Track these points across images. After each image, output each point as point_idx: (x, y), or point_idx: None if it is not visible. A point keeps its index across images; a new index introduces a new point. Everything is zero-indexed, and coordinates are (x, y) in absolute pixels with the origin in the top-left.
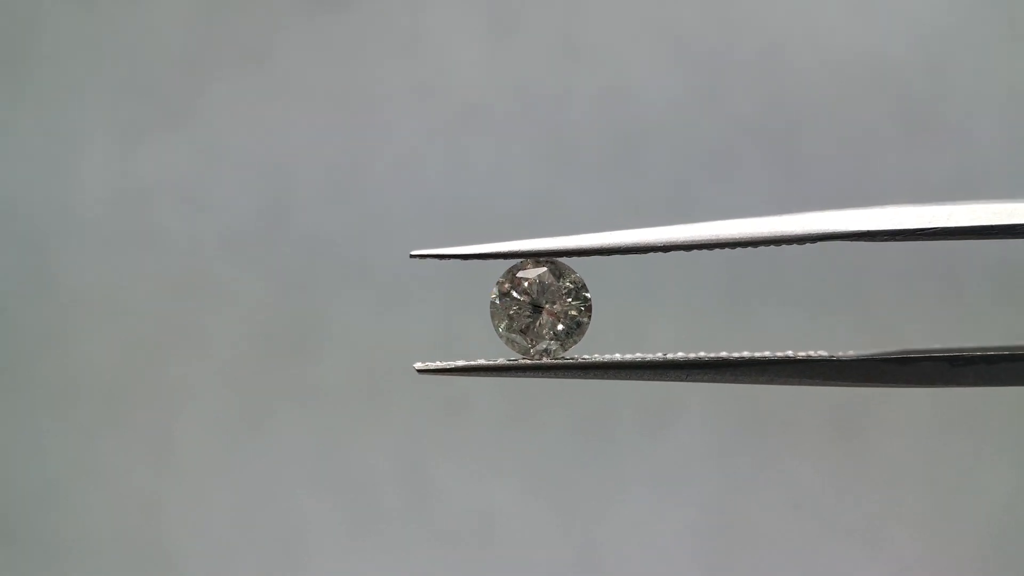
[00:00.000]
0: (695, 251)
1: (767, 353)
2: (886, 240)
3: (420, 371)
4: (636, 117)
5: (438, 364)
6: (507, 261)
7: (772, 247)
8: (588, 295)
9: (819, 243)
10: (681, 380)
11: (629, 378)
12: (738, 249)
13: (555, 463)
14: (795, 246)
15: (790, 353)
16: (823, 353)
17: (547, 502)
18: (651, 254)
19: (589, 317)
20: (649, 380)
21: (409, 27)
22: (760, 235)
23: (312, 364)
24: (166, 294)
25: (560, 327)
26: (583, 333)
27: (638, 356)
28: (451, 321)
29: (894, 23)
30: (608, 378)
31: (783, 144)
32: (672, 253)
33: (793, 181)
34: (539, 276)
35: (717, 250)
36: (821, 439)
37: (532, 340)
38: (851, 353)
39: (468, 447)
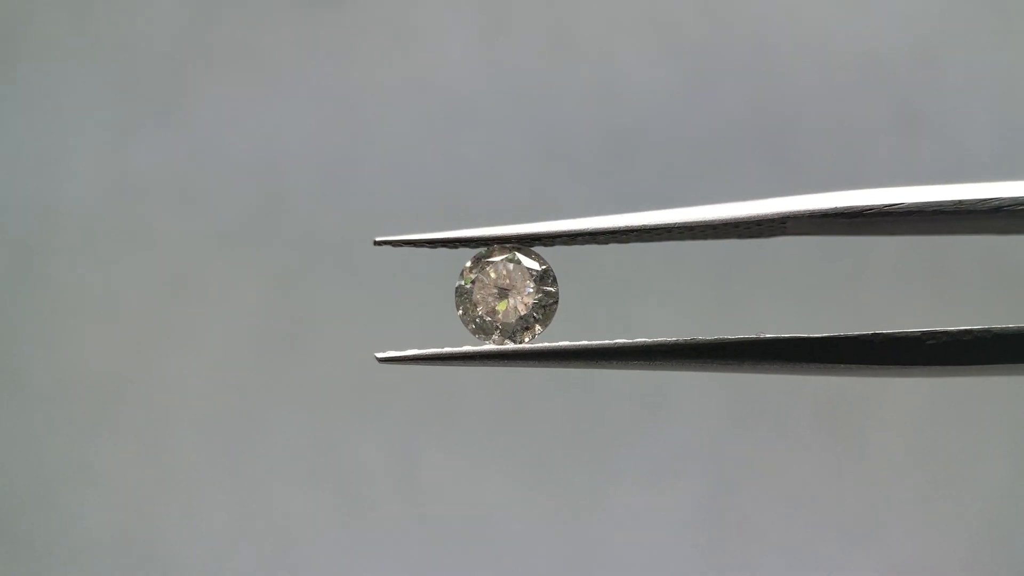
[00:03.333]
0: (677, 239)
1: (738, 336)
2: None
3: (381, 360)
4: (627, 111)
5: (399, 353)
6: (475, 249)
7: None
8: (555, 280)
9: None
10: (649, 368)
11: (596, 366)
12: (704, 241)
13: (547, 456)
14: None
15: (762, 333)
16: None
17: (539, 495)
18: (613, 244)
19: (556, 303)
20: (616, 368)
21: (400, 23)
22: (727, 219)
23: (304, 361)
24: (158, 291)
25: (527, 313)
26: (550, 319)
27: (604, 341)
28: (444, 316)
29: (885, 17)
30: (575, 366)
31: (774, 138)
32: (636, 244)
33: (784, 175)
34: (505, 262)
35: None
36: (814, 432)
37: (498, 327)
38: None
39: (460, 441)
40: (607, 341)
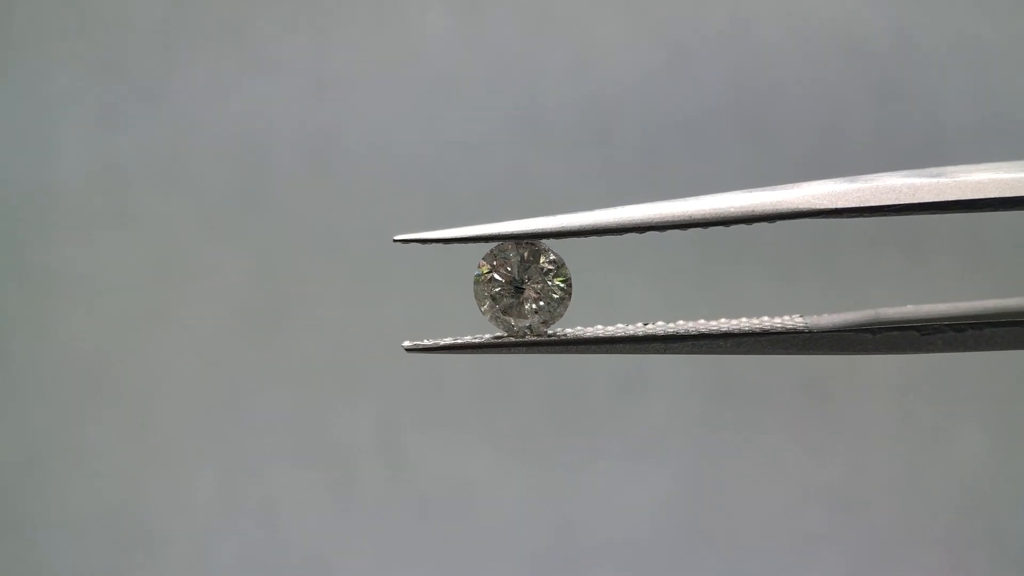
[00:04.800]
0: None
1: (743, 323)
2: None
3: (408, 350)
4: (607, 89)
5: (426, 343)
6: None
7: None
8: (567, 273)
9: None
10: (661, 352)
11: (611, 352)
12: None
13: (530, 433)
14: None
15: (766, 319)
16: (798, 320)
17: (522, 471)
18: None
19: (570, 294)
20: (630, 353)
21: (382, 2)
22: (732, 213)
23: (290, 340)
24: (144, 271)
25: (542, 304)
26: (565, 309)
27: (619, 329)
28: (427, 295)
29: None
30: (591, 352)
31: (753, 114)
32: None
33: (764, 151)
34: (520, 257)
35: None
36: (793, 406)
37: (515, 318)
38: (825, 322)
39: (445, 419)
40: (621, 330)
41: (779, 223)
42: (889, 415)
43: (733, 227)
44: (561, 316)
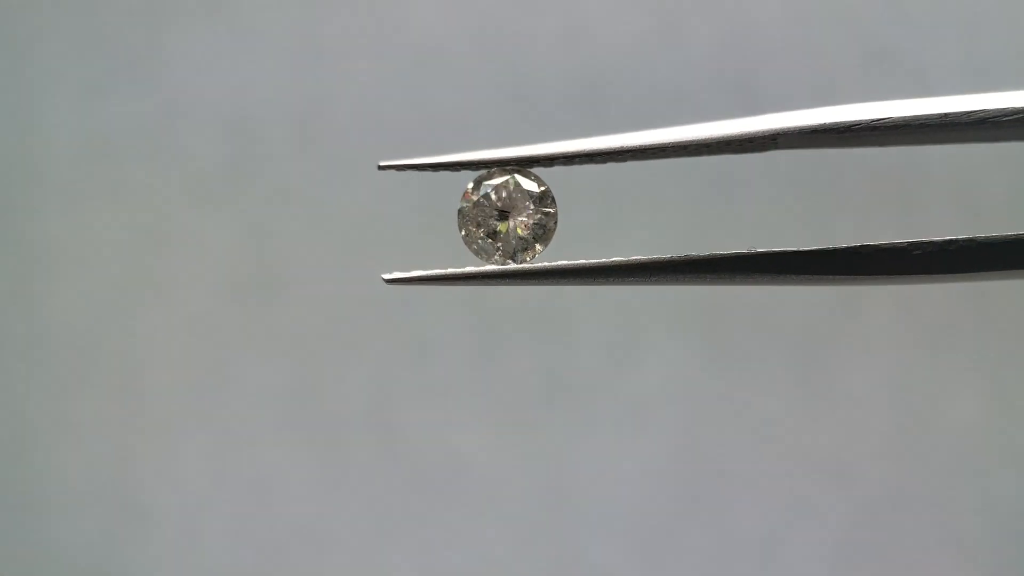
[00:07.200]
0: (652, 160)
1: (731, 251)
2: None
3: (388, 281)
4: (596, 59)
5: (407, 274)
6: (474, 172)
7: (731, 155)
8: (554, 201)
9: (778, 154)
10: (646, 283)
11: (595, 282)
12: (696, 159)
13: (521, 402)
14: (755, 159)
15: (753, 247)
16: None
17: (513, 441)
18: (613, 167)
19: (555, 223)
20: (615, 284)
21: None
22: (719, 136)
23: (279, 312)
24: (131, 243)
25: (527, 233)
26: (549, 239)
27: (603, 260)
28: (418, 259)
29: None
30: (575, 283)
31: (743, 81)
32: (632, 169)
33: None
34: (505, 184)
35: (679, 160)
36: (785, 372)
37: (500, 247)
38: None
39: (435, 388)
40: (605, 259)
41: (770, 168)
42: (882, 381)
43: (725, 179)
44: (546, 246)
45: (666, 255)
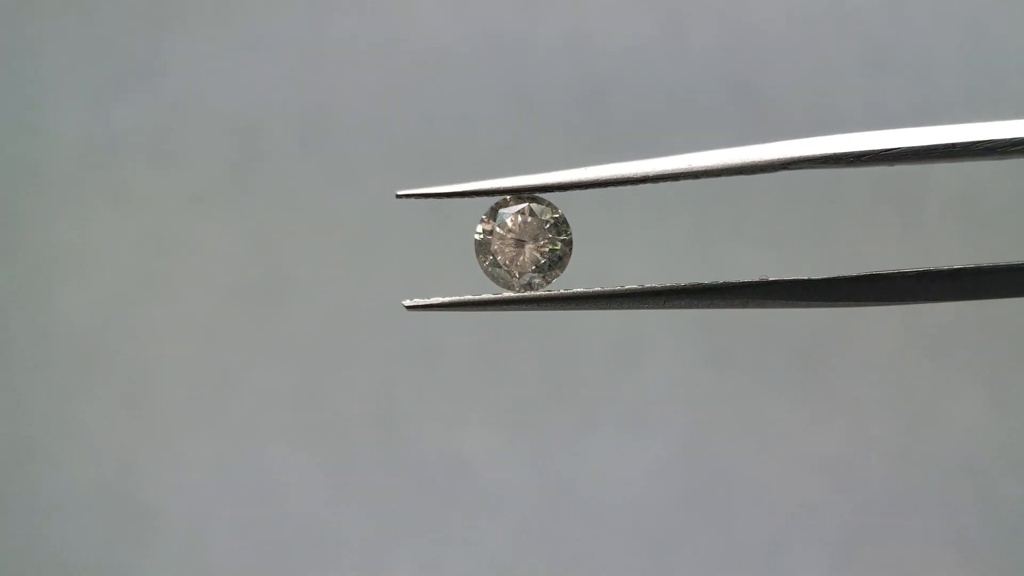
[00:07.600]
0: (661, 184)
1: (743, 278)
2: (851, 165)
3: (409, 307)
4: (600, 62)
5: (426, 300)
6: (487, 200)
7: (739, 176)
8: (568, 229)
9: (783, 172)
10: (660, 308)
11: (610, 307)
12: (703, 182)
13: (525, 403)
14: (761, 176)
15: (766, 276)
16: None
17: (517, 442)
18: (621, 188)
19: (570, 250)
20: (629, 309)
21: None
22: (730, 164)
23: (284, 315)
24: (138, 247)
25: (543, 261)
26: (565, 266)
27: (618, 287)
28: (421, 271)
29: None
30: (591, 308)
31: (746, 84)
32: (640, 188)
33: (756, 122)
34: (521, 212)
35: (683, 182)
36: (788, 375)
37: (516, 274)
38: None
39: (440, 390)
40: (620, 287)
41: (775, 185)
42: (885, 384)
43: (727, 192)
44: (561, 272)
45: (680, 282)
